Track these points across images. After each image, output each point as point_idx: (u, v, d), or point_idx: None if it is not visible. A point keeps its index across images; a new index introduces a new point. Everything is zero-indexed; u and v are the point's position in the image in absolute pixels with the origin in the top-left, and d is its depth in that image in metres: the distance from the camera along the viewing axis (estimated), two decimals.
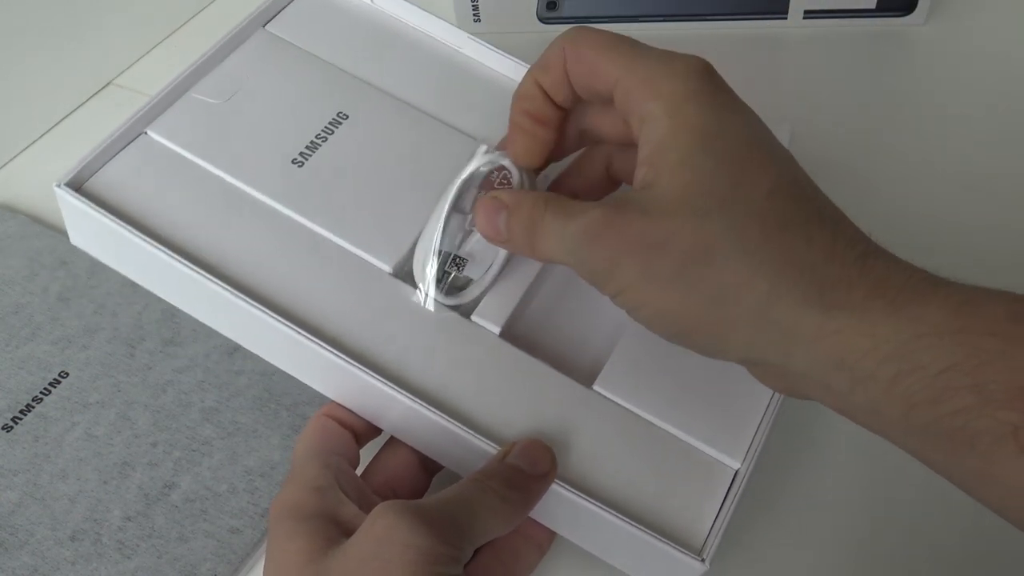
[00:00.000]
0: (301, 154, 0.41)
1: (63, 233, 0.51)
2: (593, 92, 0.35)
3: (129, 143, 0.40)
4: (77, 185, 0.39)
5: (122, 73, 0.60)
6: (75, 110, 0.58)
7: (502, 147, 0.39)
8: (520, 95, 0.37)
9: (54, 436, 0.42)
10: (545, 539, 0.36)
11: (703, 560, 0.34)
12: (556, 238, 0.33)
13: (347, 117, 0.43)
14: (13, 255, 0.49)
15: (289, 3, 0.47)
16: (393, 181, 0.41)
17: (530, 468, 0.34)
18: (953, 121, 0.54)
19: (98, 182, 0.39)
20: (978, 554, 0.39)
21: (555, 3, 0.59)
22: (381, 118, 0.43)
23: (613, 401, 0.37)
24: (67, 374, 0.45)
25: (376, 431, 0.38)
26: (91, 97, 0.59)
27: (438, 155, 0.42)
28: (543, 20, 0.60)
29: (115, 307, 0.47)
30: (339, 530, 0.32)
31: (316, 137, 0.41)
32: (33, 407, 0.43)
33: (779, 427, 0.38)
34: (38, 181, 0.55)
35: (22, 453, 0.42)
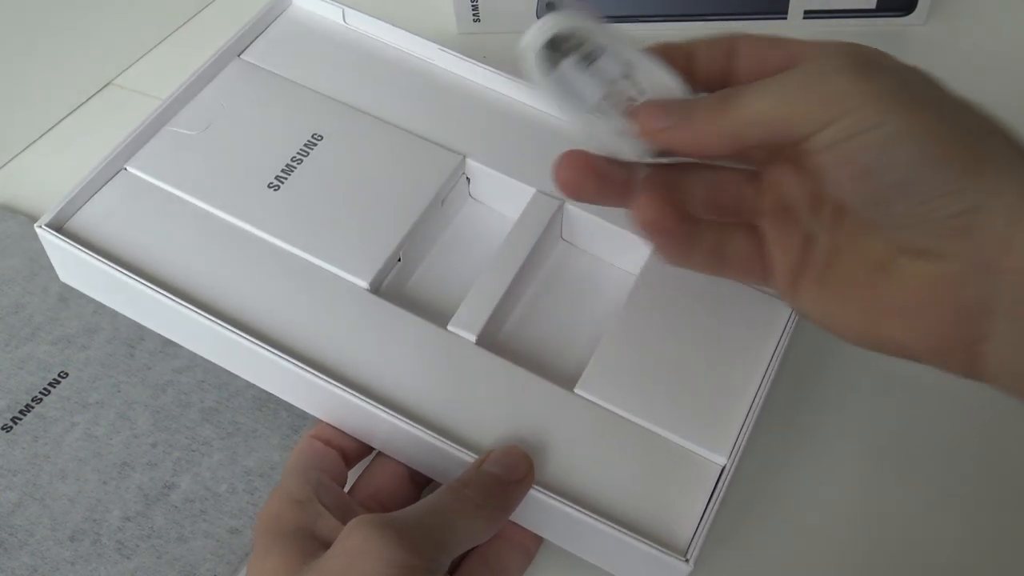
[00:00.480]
0: (277, 178, 0.42)
1: None
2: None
3: (109, 180, 0.42)
4: (59, 224, 0.40)
5: (122, 73, 0.60)
6: (75, 110, 0.58)
7: None
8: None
9: (54, 436, 0.42)
10: (532, 543, 0.36)
11: (687, 560, 0.34)
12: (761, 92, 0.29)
13: (321, 138, 0.43)
14: (13, 255, 0.49)
15: (263, 31, 0.48)
16: (368, 197, 0.42)
17: (507, 474, 0.34)
18: None
19: (80, 219, 0.41)
20: (973, 552, 0.39)
21: (555, 3, 0.59)
22: (355, 136, 0.44)
23: (594, 403, 0.37)
24: (67, 374, 0.45)
25: (366, 450, 0.39)
26: (91, 97, 0.59)
27: (414, 167, 0.43)
28: None
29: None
30: (317, 544, 0.32)
31: (292, 160, 0.42)
32: (33, 407, 0.43)
33: (765, 423, 0.38)
34: (38, 181, 0.55)
35: (22, 453, 0.42)
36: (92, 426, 0.43)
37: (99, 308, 0.47)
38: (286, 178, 0.42)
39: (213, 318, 0.38)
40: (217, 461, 0.42)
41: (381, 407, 0.36)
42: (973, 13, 0.60)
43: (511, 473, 0.34)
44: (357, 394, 0.36)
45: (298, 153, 0.43)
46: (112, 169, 0.42)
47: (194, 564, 0.39)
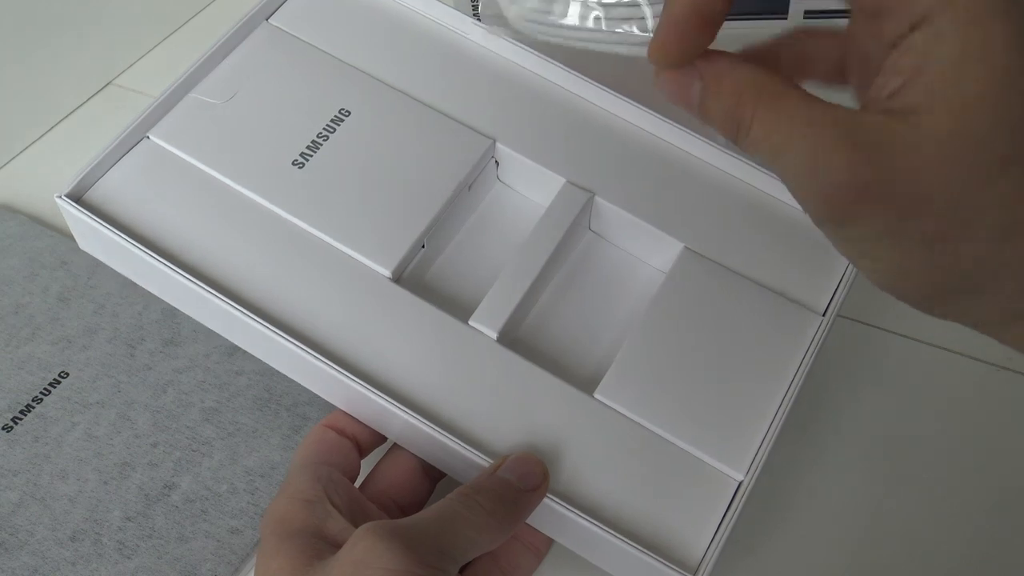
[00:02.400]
0: (302, 155, 0.41)
1: (63, 233, 0.51)
2: None
3: (131, 148, 0.41)
4: (79, 195, 0.39)
5: (122, 73, 0.60)
6: (75, 110, 0.58)
7: None
8: None
9: (54, 436, 0.42)
10: (543, 545, 0.36)
11: None
12: (770, 150, 0.26)
13: (349, 114, 0.42)
14: (13, 255, 0.49)
15: None
16: (394, 180, 0.40)
17: (521, 482, 0.34)
18: None
19: (100, 190, 0.39)
20: (982, 564, 0.38)
21: None
22: (383, 113, 0.42)
23: (614, 409, 0.37)
24: (67, 374, 0.45)
25: (380, 439, 0.38)
26: (91, 97, 0.59)
27: (442, 152, 0.41)
28: None
29: (115, 307, 0.47)
30: (325, 544, 0.32)
31: (317, 136, 0.41)
32: (33, 407, 0.43)
33: (783, 436, 0.38)
34: (38, 181, 0.55)
35: (22, 453, 0.42)
36: (93, 426, 0.43)
37: (99, 308, 0.47)
38: (311, 155, 0.40)
39: (225, 298, 0.37)
40: (218, 461, 0.42)
41: (398, 404, 0.35)
42: None
43: (525, 481, 0.34)
44: (374, 389, 0.35)
45: (324, 129, 0.41)
46: (135, 137, 0.41)
47: (194, 564, 0.39)
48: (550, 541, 0.36)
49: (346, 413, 0.38)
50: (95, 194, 0.39)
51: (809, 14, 0.59)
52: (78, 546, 0.39)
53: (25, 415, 0.43)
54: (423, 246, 0.40)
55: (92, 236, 0.40)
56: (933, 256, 0.25)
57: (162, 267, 0.37)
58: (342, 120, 0.42)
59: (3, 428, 0.43)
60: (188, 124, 0.41)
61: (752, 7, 0.59)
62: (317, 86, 0.43)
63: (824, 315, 0.39)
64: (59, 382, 0.44)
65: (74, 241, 0.50)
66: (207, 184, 0.40)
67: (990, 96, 0.24)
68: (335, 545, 0.32)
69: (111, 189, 0.39)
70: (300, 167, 0.40)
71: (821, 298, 0.39)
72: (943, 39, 0.24)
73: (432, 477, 0.38)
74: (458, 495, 0.33)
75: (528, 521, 0.35)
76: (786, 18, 0.59)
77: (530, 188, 0.42)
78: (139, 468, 0.41)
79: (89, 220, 0.38)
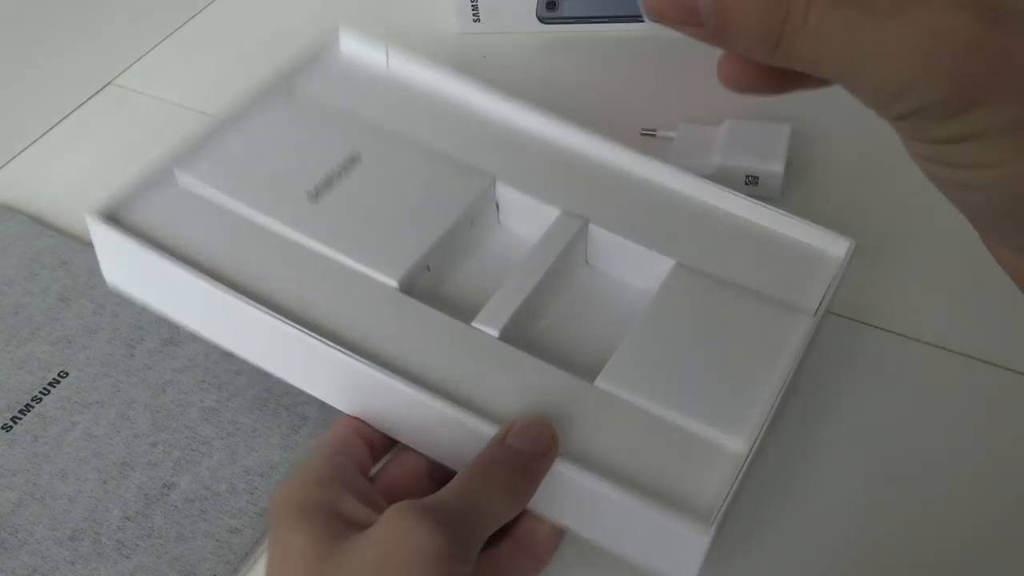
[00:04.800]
0: (316, 188, 0.43)
1: (63, 233, 0.51)
2: None
3: (157, 182, 0.43)
4: (108, 215, 0.41)
5: (122, 73, 0.60)
6: (75, 110, 0.58)
7: None
8: None
9: (54, 436, 0.42)
10: (544, 553, 0.36)
11: (709, 529, 0.33)
12: (847, 40, 0.21)
13: (360, 157, 0.45)
14: (13, 255, 0.49)
15: (311, 65, 0.50)
16: (401, 208, 0.43)
17: (531, 447, 0.34)
18: None
19: (128, 215, 0.42)
20: (980, 555, 0.39)
21: (555, 3, 0.59)
22: (391, 157, 0.46)
23: (616, 395, 0.38)
24: (67, 374, 0.45)
25: (391, 445, 0.38)
26: (91, 97, 0.59)
27: (445, 186, 0.44)
28: (543, 20, 0.60)
29: (115, 307, 0.47)
30: (343, 524, 0.32)
31: (330, 174, 0.44)
32: (33, 407, 0.43)
33: (782, 435, 0.38)
34: (38, 181, 0.55)
35: (22, 453, 0.42)
36: (92, 426, 0.43)
37: (99, 308, 0.47)
38: (325, 190, 0.44)
39: (248, 299, 0.38)
40: (217, 461, 0.42)
41: (404, 380, 0.36)
42: None
43: (535, 445, 0.34)
44: (381, 368, 0.37)
45: (336, 168, 0.44)
46: (160, 171, 0.43)
47: (194, 564, 0.39)
48: (552, 550, 0.36)
49: (359, 420, 0.38)
50: (123, 219, 0.42)
51: None
52: (77, 546, 0.39)
53: (25, 415, 0.43)
54: (428, 268, 0.42)
55: (121, 258, 0.42)
56: None
57: (188, 276, 0.39)
58: (353, 163, 0.45)
59: (3, 428, 0.43)
60: (211, 162, 0.44)
61: None
62: (331, 135, 0.46)
63: (815, 315, 0.40)
64: (59, 382, 0.44)
65: (74, 241, 0.50)
66: (226, 213, 0.43)
67: None
68: (352, 526, 0.31)
69: (138, 215, 0.42)
70: (314, 200, 0.43)
71: (811, 300, 0.41)
72: None
73: (437, 479, 0.38)
74: (473, 472, 0.33)
75: (536, 505, 0.35)
76: None
77: (530, 227, 0.45)
78: (138, 468, 0.42)
79: (123, 238, 0.40)
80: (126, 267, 0.42)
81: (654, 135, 0.54)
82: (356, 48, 0.51)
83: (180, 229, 0.41)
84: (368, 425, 0.38)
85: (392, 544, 0.30)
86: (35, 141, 0.57)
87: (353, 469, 0.35)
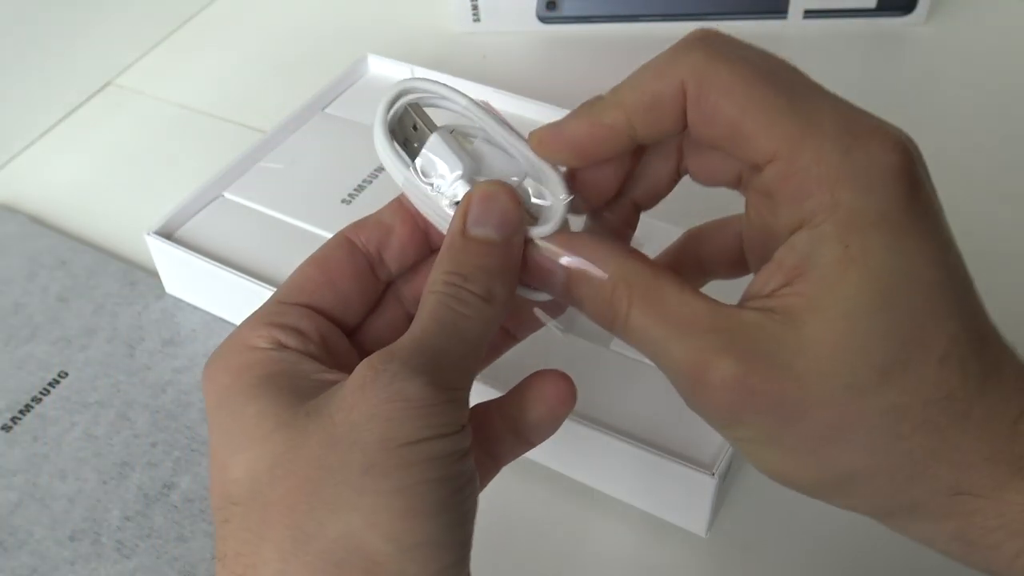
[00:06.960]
0: (349, 195, 0.49)
1: (63, 233, 0.51)
2: (721, 147, 0.26)
3: (208, 203, 0.48)
4: (167, 234, 0.46)
5: (122, 73, 0.60)
6: (75, 110, 0.58)
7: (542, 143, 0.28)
8: (592, 124, 0.27)
9: (53, 436, 0.42)
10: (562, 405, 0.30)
11: (713, 474, 0.36)
12: (650, 347, 0.26)
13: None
14: (13, 255, 0.49)
15: (345, 89, 0.55)
16: None
17: (500, 233, 0.27)
18: (953, 120, 0.54)
19: (183, 232, 0.47)
20: None
21: (555, 3, 0.59)
22: None
23: (627, 356, 0.40)
24: (66, 374, 0.45)
25: (416, 249, 0.31)
26: (91, 97, 0.59)
27: None
28: (542, 20, 0.60)
29: (115, 307, 0.47)
30: (309, 383, 0.26)
31: (363, 181, 0.49)
32: (32, 407, 0.43)
33: None
34: (38, 181, 0.55)
35: (21, 453, 0.42)
36: (92, 426, 0.43)
37: (99, 308, 0.47)
38: (357, 195, 0.49)
39: None
40: None
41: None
42: (973, 13, 0.60)
43: (504, 228, 0.27)
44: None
45: (368, 175, 0.50)
46: (211, 194, 0.49)
47: (194, 564, 0.39)
48: (571, 401, 0.30)
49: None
50: (179, 236, 0.47)
51: (809, 13, 0.59)
52: (77, 546, 0.39)
53: (24, 415, 0.43)
54: None
55: (181, 271, 0.46)
56: (816, 459, 0.25)
57: (246, 283, 0.43)
58: (383, 170, 0.47)
59: (2, 428, 0.43)
60: (257, 183, 0.50)
61: (752, 7, 0.59)
62: (362, 149, 0.49)
63: None
64: (58, 382, 0.44)
65: (74, 241, 0.50)
66: (272, 224, 0.47)
67: (868, 307, 0.24)
68: (319, 385, 0.26)
69: (192, 233, 0.47)
70: (348, 204, 0.48)
71: None
72: (825, 244, 0.24)
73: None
74: (445, 288, 0.26)
75: (540, 459, 0.33)
76: (786, 17, 0.59)
77: None
78: (138, 468, 0.42)
79: (181, 252, 0.45)
80: (184, 278, 0.46)
81: None
82: (383, 70, 0.56)
83: (229, 241, 0.46)
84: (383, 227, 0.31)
85: (367, 403, 0.24)
86: (35, 141, 0.57)
87: (311, 330, 0.28)
